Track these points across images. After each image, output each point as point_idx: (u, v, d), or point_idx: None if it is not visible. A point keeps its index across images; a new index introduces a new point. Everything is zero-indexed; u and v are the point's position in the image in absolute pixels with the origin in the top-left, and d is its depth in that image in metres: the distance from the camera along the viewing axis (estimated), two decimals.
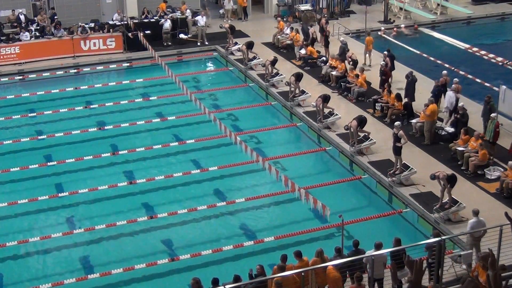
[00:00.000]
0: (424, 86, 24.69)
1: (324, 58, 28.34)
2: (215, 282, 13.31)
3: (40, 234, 17.85)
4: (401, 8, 36.09)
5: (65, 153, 22.19)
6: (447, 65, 28.62)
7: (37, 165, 21.38)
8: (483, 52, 30.66)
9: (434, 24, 35.64)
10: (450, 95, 22.26)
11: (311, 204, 17.09)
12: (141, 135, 23.95)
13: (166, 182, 20.36)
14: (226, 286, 11.27)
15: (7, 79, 29.03)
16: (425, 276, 13.37)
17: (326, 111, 23.09)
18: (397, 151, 19.41)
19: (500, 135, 20.49)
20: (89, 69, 29.90)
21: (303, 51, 29.20)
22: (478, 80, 27.24)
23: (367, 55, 28.48)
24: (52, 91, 27.27)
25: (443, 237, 13.27)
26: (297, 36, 29.97)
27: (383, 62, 25.33)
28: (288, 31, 31.21)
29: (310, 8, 35.27)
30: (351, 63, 26.50)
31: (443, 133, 21.58)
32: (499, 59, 29.63)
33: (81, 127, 24.02)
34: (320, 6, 35.98)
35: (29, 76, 29.16)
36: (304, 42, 29.60)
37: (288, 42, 30.80)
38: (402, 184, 19.05)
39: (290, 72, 26.48)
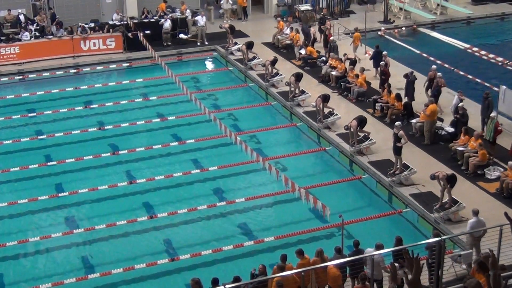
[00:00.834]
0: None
1: (324, 58, 28.34)
2: (215, 282, 13.31)
3: (40, 234, 17.86)
4: (401, 8, 36.09)
5: (65, 153, 22.19)
6: (447, 65, 28.66)
7: (37, 165, 21.39)
8: (483, 52, 30.66)
9: (434, 24, 35.64)
10: (455, 97, 22.25)
11: (311, 204, 17.11)
12: (141, 135, 23.96)
13: (166, 182, 20.36)
14: (226, 286, 11.26)
15: (7, 79, 29.02)
16: (425, 276, 13.40)
17: (326, 111, 23.09)
18: (397, 151, 19.41)
19: (500, 135, 20.48)
20: (89, 69, 29.90)
21: (303, 51, 29.21)
22: (478, 80, 27.24)
23: (354, 51, 28.85)
24: (52, 91, 27.28)
25: (443, 237, 13.27)
26: (297, 36, 29.97)
27: (383, 62, 25.35)
28: (288, 31, 31.22)
29: (310, 8, 35.27)
30: (348, 61, 26.59)
31: (443, 133, 21.58)
32: (499, 59, 29.63)
33: (81, 127, 24.03)
34: (320, 6, 36.01)
35: (29, 76, 29.16)
36: (304, 42, 29.60)
37: (288, 42, 30.81)
38: (402, 184, 19.05)
39: (290, 72, 26.49)
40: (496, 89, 24.60)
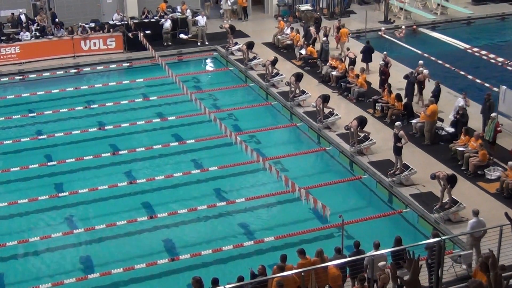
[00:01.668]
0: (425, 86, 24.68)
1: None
2: (215, 282, 13.30)
3: (40, 234, 17.84)
4: (401, 8, 36.10)
5: (65, 153, 22.19)
6: (447, 65, 28.67)
7: (37, 165, 21.38)
8: (483, 52, 30.65)
9: (434, 24, 35.65)
10: (459, 100, 22.23)
11: (311, 204, 17.09)
12: (141, 135, 23.95)
13: (166, 182, 20.36)
14: (226, 286, 11.26)
15: (7, 79, 29.03)
16: (424, 277, 13.39)
17: (326, 111, 23.09)
18: (398, 151, 19.41)
19: (500, 135, 20.49)
20: (89, 69, 29.90)
21: (303, 51, 29.20)
22: (478, 80, 27.24)
23: (341, 46, 29.26)
24: (52, 91, 27.28)
25: (443, 237, 13.27)
26: (297, 37, 29.97)
27: (382, 62, 25.35)
28: (288, 31, 31.22)
29: (310, 8, 35.27)
30: (348, 59, 26.66)
31: (443, 133, 21.58)
32: (500, 59, 29.62)
33: (81, 127, 24.04)
34: (320, 6, 36.02)
35: (29, 76, 29.18)
36: (305, 42, 29.60)
37: (288, 42, 30.80)
38: (402, 184, 19.05)
39: (290, 72, 26.49)
40: (496, 89, 24.60)
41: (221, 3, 35.79)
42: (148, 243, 17.69)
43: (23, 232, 18.13)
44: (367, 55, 27.15)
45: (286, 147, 23.15)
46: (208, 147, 22.76)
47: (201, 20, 32.02)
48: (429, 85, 24.14)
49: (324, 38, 28.49)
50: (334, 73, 26.56)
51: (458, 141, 20.56)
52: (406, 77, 24.09)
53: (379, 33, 33.60)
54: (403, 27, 34.76)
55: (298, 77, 25.16)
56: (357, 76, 25.12)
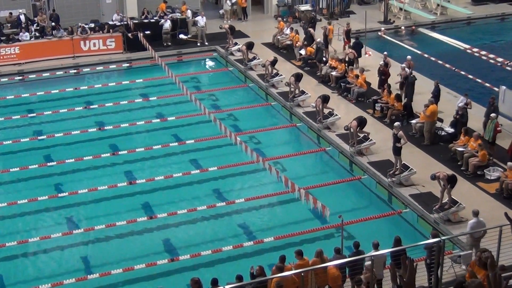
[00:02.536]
0: (424, 87, 24.69)
1: (324, 59, 28.31)
2: (215, 282, 13.30)
3: (40, 234, 17.85)
4: (401, 9, 36.10)
5: (65, 153, 22.20)
6: (447, 65, 28.66)
7: (37, 165, 21.38)
8: (483, 53, 30.65)
9: (434, 25, 35.66)
10: (462, 98, 22.23)
11: (311, 204, 17.09)
12: (141, 135, 23.96)
13: (166, 182, 20.36)
14: (226, 287, 11.26)
15: (7, 79, 29.02)
16: (424, 277, 13.39)
17: (326, 111, 23.09)
18: (397, 151, 19.41)
19: (499, 136, 20.49)
20: (89, 69, 29.90)
21: (303, 52, 29.19)
22: (478, 80, 27.24)
23: (330, 43, 29.48)
24: (52, 91, 27.28)
25: (443, 238, 13.26)
26: (297, 37, 29.97)
27: (382, 62, 25.36)
28: (288, 31, 31.21)
29: (310, 8, 35.27)
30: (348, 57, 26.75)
31: (442, 133, 21.58)
32: (499, 59, 29.62)
33: (81, 127, 24.03)
34: (320, 6, 36.00)
35: (29, 76, 29.16)
36: (304, 43, 29.60)
37: (288, 42, 30.80)
38: (401, 184, 19.05)
39: (290, 72, 26.49)
40: (496, 89, 24.60)
41: (223, 3, 35.76)
42: (148, 243, 17.70)
43: (23, 233, 18.15)
44: (357, 50, 27.69)
45: (285, 147, 23.15)
46: (208, 148, 22.76)
47: (201, 20, 32.01)
48: (429, 85, 24.14)
49: (319, 40, 28.46)
50: (333, 73, 26.56)
51: (457, 141, 20.56)
52: (405, 77, 24.07)
53: (379, 33, 33.59)
54: (403, 27, 34.83)
55: (298, 78, 25.16)
56: (357, 76, 25.12)
